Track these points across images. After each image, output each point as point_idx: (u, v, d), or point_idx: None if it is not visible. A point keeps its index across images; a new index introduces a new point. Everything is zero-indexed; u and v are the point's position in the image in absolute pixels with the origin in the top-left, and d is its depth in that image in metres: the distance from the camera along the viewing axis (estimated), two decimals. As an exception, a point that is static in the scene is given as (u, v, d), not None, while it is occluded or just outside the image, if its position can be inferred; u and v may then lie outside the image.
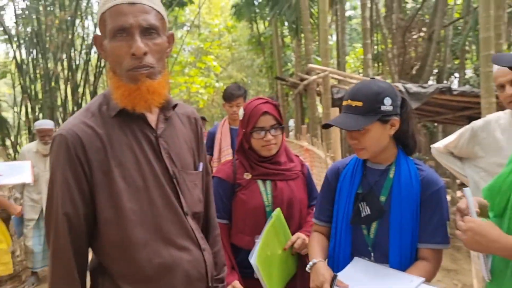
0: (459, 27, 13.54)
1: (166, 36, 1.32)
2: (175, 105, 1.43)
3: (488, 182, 1.59)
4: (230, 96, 3.66)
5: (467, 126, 2.40)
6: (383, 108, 1.51)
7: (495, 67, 2.18)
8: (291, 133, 13.68)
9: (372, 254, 1.60)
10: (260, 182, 2.00)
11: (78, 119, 1.26)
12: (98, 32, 1.32)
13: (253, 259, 1.80)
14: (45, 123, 4.71)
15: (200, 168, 1.48)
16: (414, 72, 13.08)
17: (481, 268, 1.41)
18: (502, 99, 2.15)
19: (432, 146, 2.72)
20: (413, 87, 6.60)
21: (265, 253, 1.82)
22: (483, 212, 1.48)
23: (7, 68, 9.53)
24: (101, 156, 1.23)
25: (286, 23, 13.30)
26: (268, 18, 14.65)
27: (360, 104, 1.52)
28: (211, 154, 3.92)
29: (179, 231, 1.32)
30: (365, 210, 1.59)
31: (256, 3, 15.39)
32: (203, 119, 12.19)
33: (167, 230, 1.29)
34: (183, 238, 1.32)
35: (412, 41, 13.51)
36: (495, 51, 4.99)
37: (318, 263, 1.59)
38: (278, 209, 1.92)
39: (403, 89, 6.37)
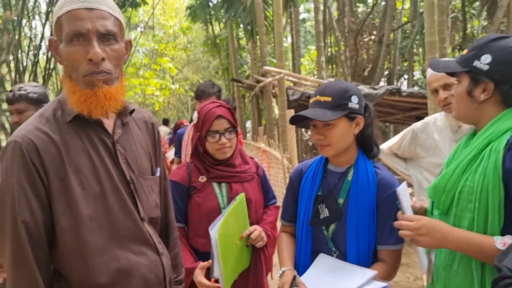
0: (408, 31, 14.13)
1: (124, 43, 1.32)
2: (132, 111, 1.42)
3: (430, 181, 1.66)
4: (201, 94, 3.31)
5: (408, 128, 2.49)
6: (350, 105, 1.57)
7: (429, 73, 2.24)
8: (248, 135, 13.75)
9: (335, 253, 1.64)
10: (215, 185, 2.02)
11: (32, 125, 1.23)
12: (50, 34, 1.30)
13: (214, 231, 1.80)
14: None
15: (158, 173, 1.48)
16: (366, 74, 13.52)
17: (421, 266, 1.46)
18: (437, 103, 2.22)
19: None
20: (365, 89, 6.83)
21: (225, 231, 1.83)
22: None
23: None
24: (57, 163, 1.21)
25: (241, 25, 13.33)
26: (224, 20, 14.64)
27: (329, 99, 1.57)
28: (180, 157, 3.64)
29: (136, 236, 1.32)
30: (324, 212, 1.64)
31: (211, 5, 15.34)
32: (166, 121, 12.07)
33: (124, 235, 1.28)
34: (140, 243, 1.32)
35: (363, 44, 13.97)
36: (439, 55, 5.23)
37: (286, 271, 1.63)
38: (242, 194, 1.94)
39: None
